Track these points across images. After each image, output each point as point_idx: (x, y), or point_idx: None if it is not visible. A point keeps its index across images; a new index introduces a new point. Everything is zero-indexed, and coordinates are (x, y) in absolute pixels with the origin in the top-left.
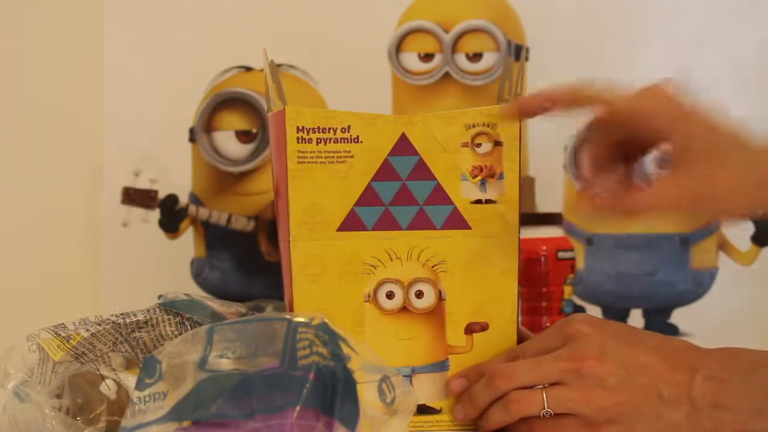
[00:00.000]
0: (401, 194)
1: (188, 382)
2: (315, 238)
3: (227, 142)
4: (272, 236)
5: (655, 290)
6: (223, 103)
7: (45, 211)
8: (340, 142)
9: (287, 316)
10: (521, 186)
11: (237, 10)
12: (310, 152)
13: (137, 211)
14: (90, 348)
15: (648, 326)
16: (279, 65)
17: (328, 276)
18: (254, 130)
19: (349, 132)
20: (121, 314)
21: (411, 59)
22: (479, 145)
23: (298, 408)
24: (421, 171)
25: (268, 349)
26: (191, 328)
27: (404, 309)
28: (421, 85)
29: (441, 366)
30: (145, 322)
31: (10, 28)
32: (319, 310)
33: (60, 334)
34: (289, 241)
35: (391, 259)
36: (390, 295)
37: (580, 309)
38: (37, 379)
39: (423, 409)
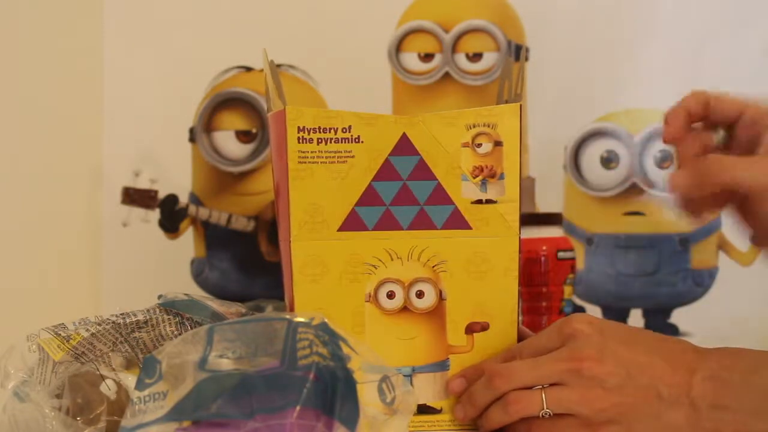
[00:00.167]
0: (402, 194)
1: (188, 382)
2: (315, 238)
3: (227, 142)
4: (272, 236)
5: (655, 290)
6: (223, 103)
7: (45, 211)
8: (341, 142)
9: (287, 316)
10: (521, 186)
11: (237, 11)
12: (311, 152)
13: (137, 211)
14: (90, 348)
15: (648, 326)
16: (279, 65)
17: (329, 276)
18: (254, 130)
19: (349, 132)
20: (121, 314)
21: (411, 59)
22: (480, 145)
23: (298, 408)
24: (422, 171)
25: (268, 349)
26: (191, 328)
27: (405, 309)
28: (421, 85)
29: (441, 366)
30: (145, 322)
31: (10, 28)
32: (319, 310)
33: (60, 334)
34: (290, 241)
35: (392, 259)
36: (390, 295)
37: (580, 309)
38: (37, 379)
39: (423, 409)
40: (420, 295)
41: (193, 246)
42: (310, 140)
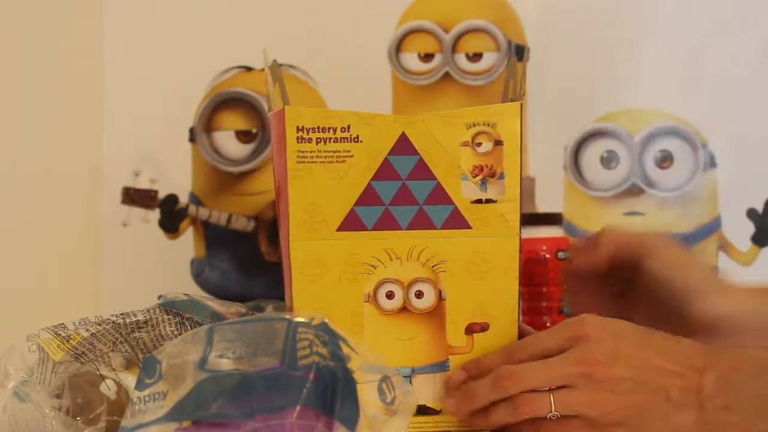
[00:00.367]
0: (401, 194)
1: (188, 382)
2: (315, 237)
3: (227, 142)
4: (272, 236)
5: None
6: (223, 103)
7: (45, 211)
8: (340, 141)
9: (287, 316)
10: (522, 186)
11: (237, 11)
12: (310, 152)
13: (137, 211)
14: (90, 348)
15: None
16: (279, 65)
17: (328, 276)
18: (254, 130)
19: (348, 131)
20: (121, 314)
21: (411, 59)
22: (479, 144)
23: (298, 408)
24: (421, 170)
25: (268, 349)
26: (191, 328)
27: (404, 309)
28: (421, 85)
29: (441, 366)
30: (145, 322)
31: (10, 28)
32: (318, 310)
33: (60, 334)
34: (289, 241)
35: (391, 259)
36: (390, 295)
37: None
38: (37, 379)
39: (423, 410)
40: (419, 295)
41: (193, 246)
42: (309, 140)
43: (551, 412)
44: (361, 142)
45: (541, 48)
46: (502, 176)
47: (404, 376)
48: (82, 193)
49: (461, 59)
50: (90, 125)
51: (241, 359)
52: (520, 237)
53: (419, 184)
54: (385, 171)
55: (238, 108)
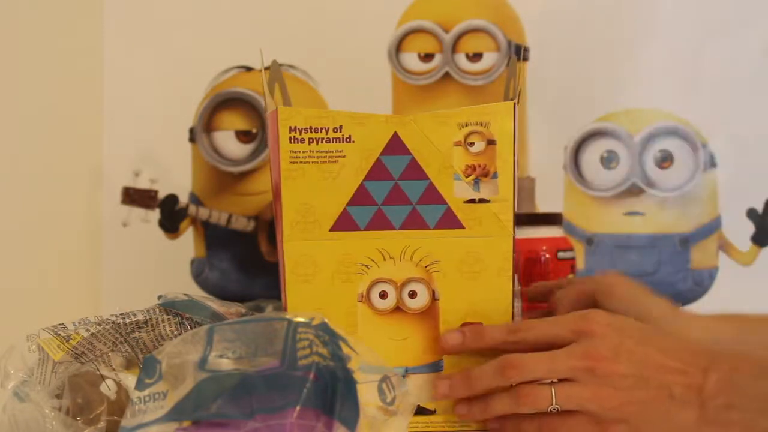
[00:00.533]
0: (394, 194)
1: (188, 382)
2: (307, 237)
3: (227, 142)
4: (272, 236)
5: (655, 290)
6: (223, 103)
7: (45, 211)
8: (332, 141)
9: (287, 316)
10: (519, 186)
11: (237, 11)
12: (303, 152)
13: (137, 211)
14: (90, 348)
15: None
16: (279, 65)
17: (321, 276)
18: (254, 130)
19: (341, 132)
20: (121, 314)
21: (411, 59)
22: (472, 144)
23: (298, 408)
24: (414, 170)
25: (268, 349)
26: (191, 329)
27: (397, 309)
28: (421, 85)
29: (435, 366)
30: (145, 322)
31: (10, 28)
32: (312, 310)
33: (60, 334)
34: (282, 241)
35: (384, 259)
36: (383, 295)
37: None
38: (37, 379)
39: (417, 410)
40: (413, 295)
41: (193, 246)
42: (302, 140)
43: (552, 404)
44: (353, 142)
45: (541, 48)
46: (495, 176)
47: None
48: (82, 193)
49: (461, 59)
50: (90, 125)
51: (241, 359)
52: (514, 237)
53: (412, 184)
54: (377, 171)
55: (238, 108)
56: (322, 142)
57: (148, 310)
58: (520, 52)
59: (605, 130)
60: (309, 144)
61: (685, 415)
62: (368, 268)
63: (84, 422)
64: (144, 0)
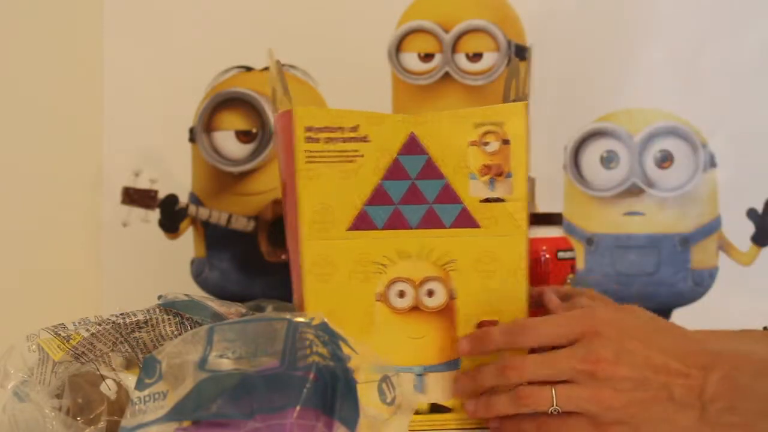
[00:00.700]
0: (411, 193)
1: (188, 382)
2: (325, 237)
3: (227, 142)
4: (272, 236)
5: (655, 290)
6: (223, 103)
7: (45, 211)
8: (349, 141)
9: (287, 316)
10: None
11: (237, 10)
12: (319, 152)
13: (137, 211)
14: (90, 348)
15: None
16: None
17: (339, 275)
18: (254, 130)
19: (357, 131)
20: (121, 314)
21: (411, 59)
22: (487, 143)
23: (298, 408)
24: (430, 170)
25: (268, 349)
26: (191, 329)
27: (415, 308)
28: (421, 85)
29: (452, 365)
30: (145, 322)
31: (10, 28)
32: (330, 310)
33: (60, 334)
34: (300, 241)
35: (402, 258)
36: (401, 294)
37: None
38: (37, 379)
39: (434, 408)
40: (430, 293)
41: (193, 246)
42: (318, 140)
43: (553, 406)
44: (370, 141)
45: (541, 48)
46: (509, 175)
47: (416, 375)
48: (82, 193)
49: (461, 59)
50: (90, 125)
51: (241, 359)
52: (528, 235)
53: (428, 183)
54: (394, 171)
55: (238, 108)
56: (338, 141)
57: (148, 310)
58: (520, 52)
59: (605, 130)
60: (325, 144)
61: (685, 417)
62: (386, 268)
63: (84, 422)
64: (144, 0)
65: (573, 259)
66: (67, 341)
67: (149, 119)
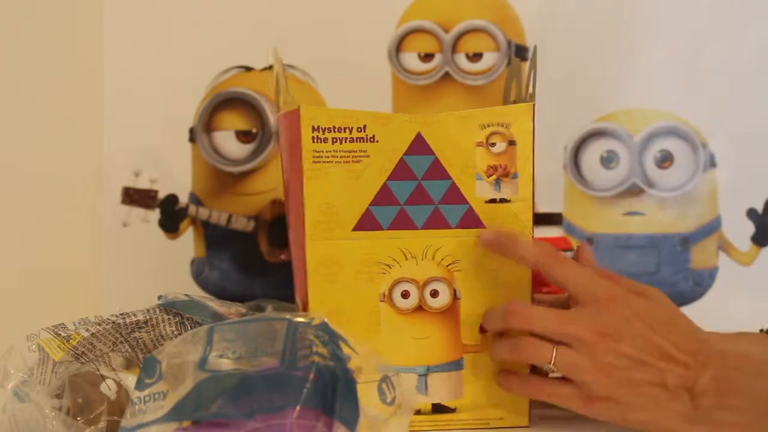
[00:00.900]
0: (416, 194)
1: (188, 382)
2: (330, 237)
3: (227, 142)
4: (272, 236)
5: None
6: (223, 103)
7: (45, 211)
8: (356, 141)
9: (287, 316)
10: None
11: (237, 10)
12: (326, 152)
13: (137, 211)
14: (90, 348)
15: None
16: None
17: (344, 275)
18: (254, 130)
19: (364, 131)
20: (121, 314)
21: (411, 59)
22: (494, 144)
23: (298, 408)
24: (437, 170)
25: (268, 349)
26: (191, 329)
27: (419, 308)
28: (421, 85)
29: (456, 365)
30: (145, 322)
31: (10, 28)
32: (334, 310)
33: (60, 334)
34: (304, 241)
35: (407, 259)
36: (405, 295)
37: None
38: (37, 379)
39: (437, 408)
40: (434, 294)
41: (193, 246)
42: (325, 140)
43: (550, 364)
44: (377, 142)
45: (541, 48)
46: (515, 176)
47: (419, 375)
48: (82, 193)
49: (461, 59)
50: (90, 125)
51: (241, 359)
52: (534, 236)
53: (434, 183)
54: (400, 171)
55: (238, 108)
56: (345, 141)
57: (148, 310)
58: (521, 53)
59: (605, 130)
60: (332, 144)
61: (674, 407)
62: (390, 268)
63: (84, 422)
64: (144, 0)
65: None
66: (67, 341)
67: (149, 119)
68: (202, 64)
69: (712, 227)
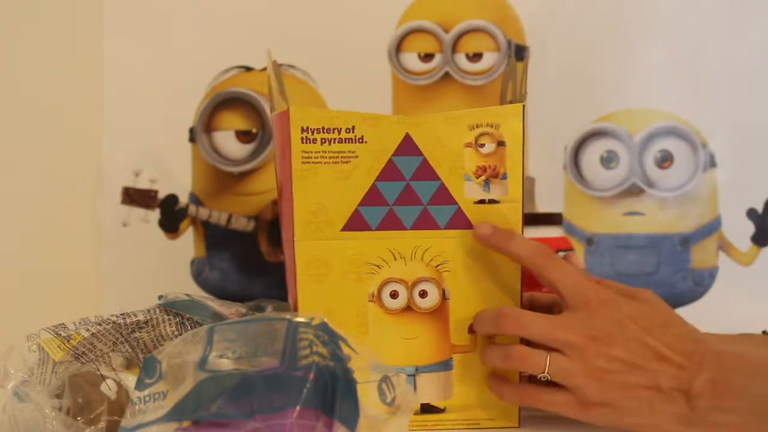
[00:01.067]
0: (405, 194)
1: (188, 382)
2: (319, 237)
3: (227, 142)
4: (272, 236)
5: (655, 290)
6: (223, 103)
7: (45, 211)
8: (345, 142)
9: (287, 316)
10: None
11: (237, 10)
12: (315, 152)
13: (137, 211)
14: (90, 348)
15: None
16: (279, 65)
17: (333, 276)
18: (254, 130)
19: (353, 132)
20: (121, 314)
21: (411, 59)
22: (483, 145)
23: (298, 408)
24: (425, 171)
25: (268, 349)
26: (191, 329)
27: (408, 308)
28: (421, 85)
29: (445, 365)
30: (146, 323)
31: (9, 28)
32: (323, 310)
33: (60, 334)
34: (294, 241)
35: (395, 259)
36: (394, 295)
37: None
38: (37, 379)
39: (427, 408)
40: (423, 294)
41: (193, 246)
42: (314, 140)
43: (544, 372)
44: (365, 142)
45: (541, 48)
46: (504, 177)
47: (408, 375)
48: (82, 193)
49: (461, 59)
50: (90, 125)
51: (241, 359)
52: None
53: (423, 184)
54: (389, 171)
55: (238, 108)
56: (334, 142)
57: (148, 311)
58: (519, 53)
59: (605, 130)
60: (321, 144)
61: (670, 409)
62: (379, 268)
63: (84, 422)
64: (144, 0)
65: None
66: (68, 341)
67: (149, 119)
68: (202, 64)
69: (712, 227)
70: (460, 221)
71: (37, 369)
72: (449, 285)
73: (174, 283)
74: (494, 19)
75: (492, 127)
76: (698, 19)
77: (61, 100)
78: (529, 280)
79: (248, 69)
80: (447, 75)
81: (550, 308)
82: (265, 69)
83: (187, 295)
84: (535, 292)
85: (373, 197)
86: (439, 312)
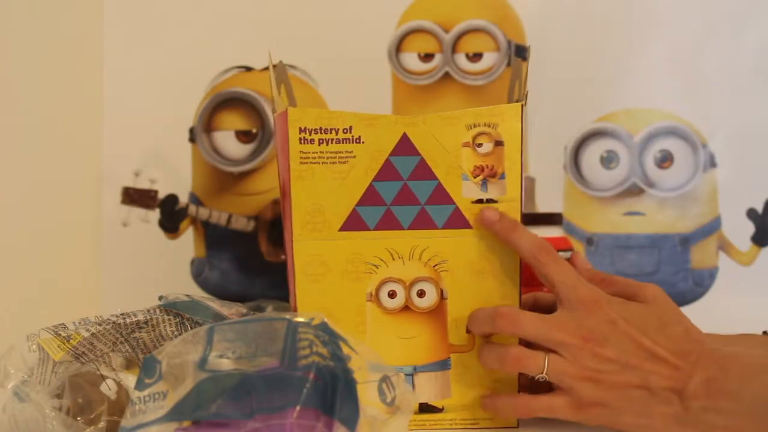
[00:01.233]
0: (403, 194)
1: (188, 382)
2: (317, 237)
3: (227, 142)
4: (272, 236)
5: None
6: (223, 103)
7: (45, 211)
8: (342, 142)
9: (287, 316)
10: (522, 186)
11: (237, 10)
12: (313, 153)
13: (137, 211)
14: (90, 348)
15: None
16: (285, 66)
17: (331, 275)
18: (254, 130)
19: (350, 132)
20: (121, 314)
21: (411, 59)
22: (480, 145)
23: (298, 408)
24: (423, 171)
25: (268, 349)
26: (191, 329)
27: (406, 308)
28: (421, 85)
29: (443, 365)
30: (146, 323)
31: (9, 28)
32: (321, 310)
33: (60, 334)
34: (293, 241)
35: (393, 259)
36: (392, 295)
37: None
38: (37, 379)
39: (425, 408)
40: (421, 294)
41: (193, 246)
42: (312, 141)
43: (542, 374)
44: (363, 143)
45: (541, 48)
46: (503, 176)
47: (406, 375)
48: (82, 193)
49: (461, 59)
50: (90, 125)
51: (241, 359)
52: None
53: (421, 184)
54: (386, 171)
55: (238, 108)
56: (332, 142)
57: (148, 311)
58: (521, 52)
59: (605, 130)
60: (319, 145)
61: (664, 410)
62: (377, 268)
63: (84, 422)
64: (144, 0)
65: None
66: (68, 341)
67: (149, 119)
68: (202, 64)
69: (712, 227)
70: (457, 221)
71: (37, 369)
72: (447, 285)
73: (174, 283)
74: (494, 19)
75: (490, 126)
76: (698, 19)
77: (61, 100)
78: (528, 279)
79: (248, 69)
80: (447, 75)
81: (553, 308)
82: (265, 69)
83: (187, 295)
84: (538, 292)
85: (370, 197)
86: (437, 312)
